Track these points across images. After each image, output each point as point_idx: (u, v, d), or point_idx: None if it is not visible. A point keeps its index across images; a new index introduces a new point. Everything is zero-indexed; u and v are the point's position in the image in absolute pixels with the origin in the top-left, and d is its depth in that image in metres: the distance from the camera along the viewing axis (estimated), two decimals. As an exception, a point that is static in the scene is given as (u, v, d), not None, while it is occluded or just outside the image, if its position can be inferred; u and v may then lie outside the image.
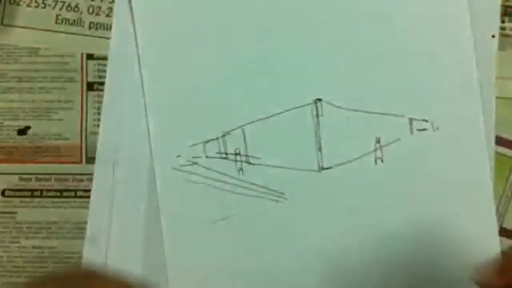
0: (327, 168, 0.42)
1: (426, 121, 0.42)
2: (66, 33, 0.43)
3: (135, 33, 0.42)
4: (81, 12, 0.43)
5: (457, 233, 0.41)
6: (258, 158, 0.42)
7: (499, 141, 0.42)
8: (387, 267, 0.42)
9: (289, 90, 0.42)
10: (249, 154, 0.42)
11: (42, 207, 0.42)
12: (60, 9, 0.43)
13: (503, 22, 0.42)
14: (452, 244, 0.41)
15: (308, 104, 0.42)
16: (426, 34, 0.42)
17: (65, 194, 0.43)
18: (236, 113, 0.42)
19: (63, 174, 0.43)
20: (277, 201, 0.42)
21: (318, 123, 0.42)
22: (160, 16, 0.42)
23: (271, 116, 0.42)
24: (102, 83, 0.43)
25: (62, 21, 0.43)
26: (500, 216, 0.41)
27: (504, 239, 0.41)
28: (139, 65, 0.42)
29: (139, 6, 0.42)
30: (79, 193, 0.43)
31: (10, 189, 0.43)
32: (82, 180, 0.43)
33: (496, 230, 0.41)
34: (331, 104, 0.42)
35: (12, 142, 0.43)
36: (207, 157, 0.42)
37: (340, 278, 0.42)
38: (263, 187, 0.42)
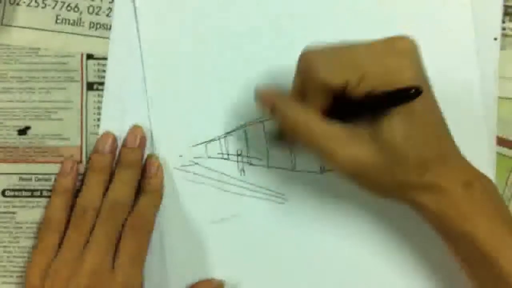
0: (329, 170, 0.42)
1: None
2: (66, 33, 0.43)
3: (138, 34, 0.42)
4: (81, 12, 0.43)
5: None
6: (260, 159, 0.42)
7: (499, 141, 0.42)
8: (388, 267, 0.42)
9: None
10: (251, 155, 0.42)
11: (42, 207, 0.42)
12: (60, 9, 0.43)
13: (503, 22, 0.42)
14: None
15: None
16: (428, 38, 0.41)
17: (65, 194, 0.43)
18: (238, 114, 0.42)
19: (63, 174, 0.43)
20: (278, 202, 0.42)
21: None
22: (162, 18, 0.42)
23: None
24: (102, 83, 0.43)
25: (62, 21, 0.43)
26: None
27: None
28: (142, 66, 0.42)
29: (142, 9, 0.42)
30: (79, 193, 0.43)
31: (10, 189, 0.43)
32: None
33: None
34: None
35: (12, 142, 0.43)
36: (209, 157, 0.42)
37: (340, 277, 0.42)
38: (264, 188, 0.42)
